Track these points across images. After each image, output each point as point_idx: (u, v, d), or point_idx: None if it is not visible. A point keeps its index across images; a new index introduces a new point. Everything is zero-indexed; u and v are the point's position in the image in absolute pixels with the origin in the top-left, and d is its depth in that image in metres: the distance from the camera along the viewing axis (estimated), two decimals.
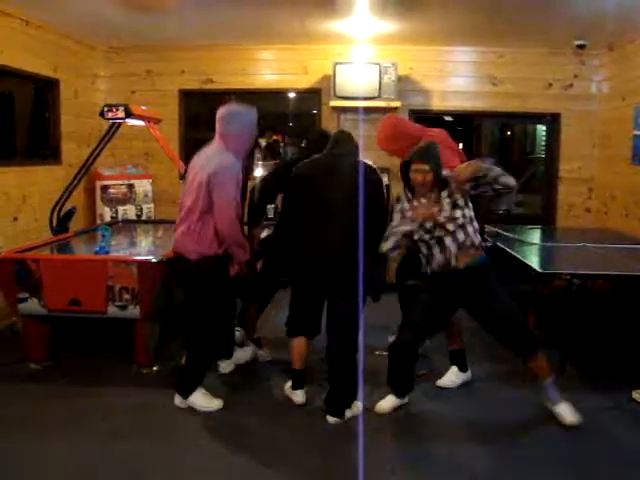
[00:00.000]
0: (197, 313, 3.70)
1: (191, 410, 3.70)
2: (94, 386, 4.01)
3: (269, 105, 7.15)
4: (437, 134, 4.28)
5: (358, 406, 3.68)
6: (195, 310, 3.70)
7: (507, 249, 4.91)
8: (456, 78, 7.04)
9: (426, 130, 4.39)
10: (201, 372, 3.78)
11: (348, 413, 3.63)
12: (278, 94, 7.24)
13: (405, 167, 3.63)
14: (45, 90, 6.13)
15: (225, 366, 4.31)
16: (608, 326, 5.31)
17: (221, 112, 3.56)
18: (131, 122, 5.35)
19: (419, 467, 3.12)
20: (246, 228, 4.12)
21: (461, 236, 3.54)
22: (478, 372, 4.31)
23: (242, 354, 4.41)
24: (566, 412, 3.57)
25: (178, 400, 3.75)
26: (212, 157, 3.52)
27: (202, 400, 3.73)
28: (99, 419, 3.56)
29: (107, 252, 4.36)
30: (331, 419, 3.61)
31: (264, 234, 4.49)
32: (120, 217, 6.64)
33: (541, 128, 7.50)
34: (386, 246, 3.57)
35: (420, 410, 3.79)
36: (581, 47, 6.42)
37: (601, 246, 5.15)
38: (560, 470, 3.07)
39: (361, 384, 3.65)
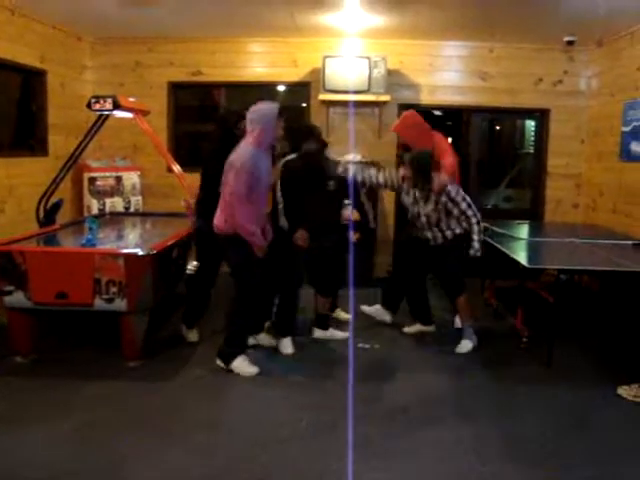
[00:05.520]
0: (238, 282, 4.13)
1: (175, 403, 3.68)
2: (80, 379, 3.98)
3: (258, 98, 7.11)
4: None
5: (333, 332, 4.76)
6: (236, 280, 4.14)
7: (495, 244, 4.92)
8: (446, 73, 7.05)
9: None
10: (241, 342, 4.20)
11: (317, 332, 4.75)
12: (267, 87, 7.20)
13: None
14: (32, 81, 6.06)
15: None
16: (594, 321, 5.34)
17: (249, 112, 3.98)
18: (119, 114, 5.31)
19: None
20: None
21: None
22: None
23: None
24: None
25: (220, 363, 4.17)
26: (235, 151, 3.94)
27: (241, 365, 4.10)
28: (83, 412, 3.52)
29: (94, 245, 4.33)
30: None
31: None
32: (108, 209, 6.59)
33: (530, 123, 7.53)
34: None
35: None
36: (570, 43, 6.45)
37: (588, 242, 5.17)
38: (544, 463, 3.09)
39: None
